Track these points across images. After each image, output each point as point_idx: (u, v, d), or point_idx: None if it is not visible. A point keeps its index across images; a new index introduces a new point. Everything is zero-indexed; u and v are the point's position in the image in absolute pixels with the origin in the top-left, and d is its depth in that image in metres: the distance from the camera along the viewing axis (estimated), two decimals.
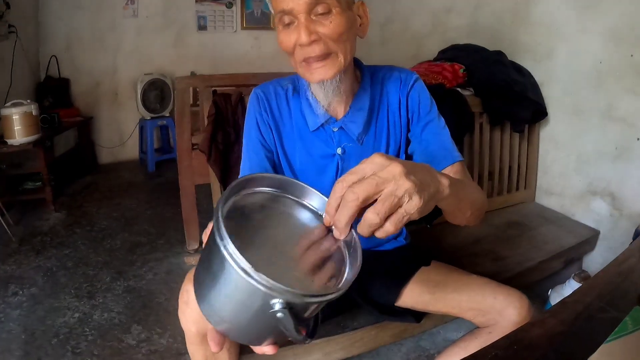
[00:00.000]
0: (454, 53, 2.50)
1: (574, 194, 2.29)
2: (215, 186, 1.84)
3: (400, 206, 0.61)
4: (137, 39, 4.91)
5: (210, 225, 0.63)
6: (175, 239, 2.97)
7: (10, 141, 3.21)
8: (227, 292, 0.56)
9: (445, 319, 1.46)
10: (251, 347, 0.64)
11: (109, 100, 4.97)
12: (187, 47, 5.17)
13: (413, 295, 1.26)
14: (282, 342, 0.63)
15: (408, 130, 1.20)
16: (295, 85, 1.20)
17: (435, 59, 2.55)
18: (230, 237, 0.52)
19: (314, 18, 0.95)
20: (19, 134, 3.21)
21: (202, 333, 1.05)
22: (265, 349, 0.63)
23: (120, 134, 5.11)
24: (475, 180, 2.25)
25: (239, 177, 1.21)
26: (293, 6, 0.93)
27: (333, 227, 0.65)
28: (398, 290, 1.27)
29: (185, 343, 1.15)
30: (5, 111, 3.19)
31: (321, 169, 1.20)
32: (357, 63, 1.19)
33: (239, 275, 0.51)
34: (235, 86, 2.04)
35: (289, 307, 0.53)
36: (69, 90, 4.68)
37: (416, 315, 1.30)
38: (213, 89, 1.97)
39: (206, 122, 1.77)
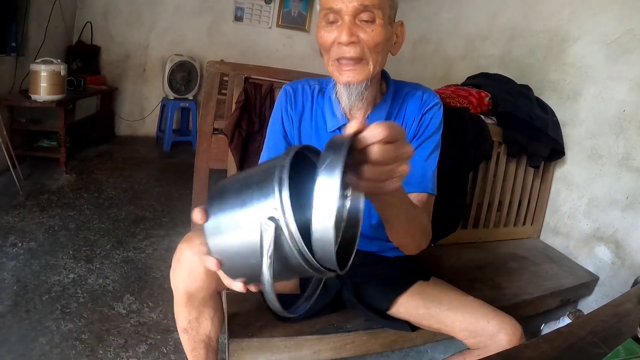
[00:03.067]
0: (482, 80, 2.52)
1: (579, 237, 2.29)
2: (233, 172, 1.86)
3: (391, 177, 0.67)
4: (173, 18, 4.98)
5: None
6: (179, 220, 3.00)
7: (34, 96, 3.28)
8: (242, 188, 0.59)
9: (436, 338, 1.46)
10: (224, 281, 0.66)
11: (136, 74, 5.04)
12: (220, 35, 5.25)
13: (408, 307, 1.27)
14: (252, 285, 0.64)
15: None
16: (322, 86, 1.26)
17: (463, 84, 2.57)
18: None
19: (357, 22, 1.01)
20: (44, 91, 3.27)
21: (188, 292, 1.08)
22: (236, 284, 0.65)
23: (142, 109, 5.18)
24: (484, 208, 2.27)
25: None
26: (342, 7, 0.99)
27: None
28: (392, 299, 1.29)
29: (174, 321, 1.18)
30: (35, 67, 3.26)
31: None
32: (385, 76, 1.24)
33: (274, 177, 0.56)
34: (265, 79, 2.07)
35: (277, 230, 0.54)
36: (98, 58, 4.76)
37: (411, 325, 1.31)
38: (245, 76, 2.00)
39: (234, 107, 1.80)
